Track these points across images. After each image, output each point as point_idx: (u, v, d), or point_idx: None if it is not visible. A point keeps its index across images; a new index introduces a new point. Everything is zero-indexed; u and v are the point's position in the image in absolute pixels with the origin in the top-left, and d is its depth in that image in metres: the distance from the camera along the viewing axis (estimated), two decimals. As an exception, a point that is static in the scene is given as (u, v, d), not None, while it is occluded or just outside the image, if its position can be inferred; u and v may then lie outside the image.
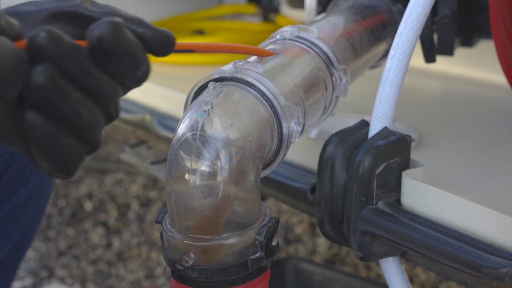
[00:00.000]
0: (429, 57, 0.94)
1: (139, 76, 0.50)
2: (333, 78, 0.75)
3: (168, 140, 1.03)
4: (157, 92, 1.12)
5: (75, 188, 1.95)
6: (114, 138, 2.34)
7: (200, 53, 0.63)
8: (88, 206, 1.85)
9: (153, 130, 1.06)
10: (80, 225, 1.74)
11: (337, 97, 0.77)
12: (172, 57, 1.44)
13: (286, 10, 1.83)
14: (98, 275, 1.52)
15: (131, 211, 1.81)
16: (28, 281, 1.50)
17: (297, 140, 0.63)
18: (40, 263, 1.57)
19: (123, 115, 1.15)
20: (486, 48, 1.12)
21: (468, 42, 1.04)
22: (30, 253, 1.61)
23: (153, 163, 1.04)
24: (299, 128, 0.63)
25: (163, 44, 0.52)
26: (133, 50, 0.47)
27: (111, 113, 0.49)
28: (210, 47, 0.64)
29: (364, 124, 0.70)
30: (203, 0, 1.96)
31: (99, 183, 1.98)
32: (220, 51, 0.64)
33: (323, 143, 0.69)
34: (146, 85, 1.26)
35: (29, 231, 0.98)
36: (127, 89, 0.51)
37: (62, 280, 1.50)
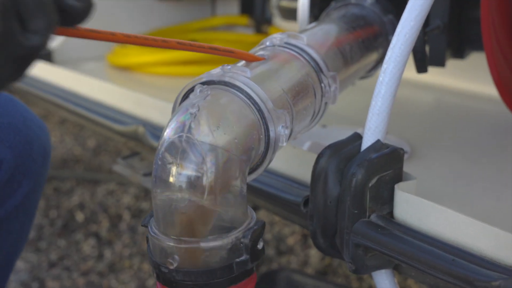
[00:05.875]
0: (421, 68, 0.95)
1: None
2: (322, 84, 0.75)
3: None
4: (150, 103, 1.12)
5: (66, 199, 1.94)
6: (106, 148, 2.33)
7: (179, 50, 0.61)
8: (80, 217, 1.84)
9: (146, 142, 1.06)
10: (72, 236, 1.74)
11: (325, 103, 0.77)
12: (166, 69, 1.44)
13: (279, 22, 1.84)
14: (89, 286, 1.51)
15: (123, 222, 1.80)
16: (19, 292, 1.49)
17: (284, 144, 0.63)
18: (31, 275, 1.56)
19: (116, 126, 1.15)
20: (477, 60, 1.13)
21: (459, 53, 1.04)
22: (21, 265, 1.60)
23: (146, 174, 1.04)
24: (286, 132, 0.63)
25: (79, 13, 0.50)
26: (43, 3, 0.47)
27: None
28: (191, 46, 0.61)
29: (357, 137, 0.71)
30: (197, 11, 1.97)
31: (91, 194, 1.97)
32: (206, 52, 0.63)
33: (316, 155, 0.69)
34: (139, 97, 1.25)
35: (17, 245, 0.97)
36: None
37: (53, 292, 1.49)
